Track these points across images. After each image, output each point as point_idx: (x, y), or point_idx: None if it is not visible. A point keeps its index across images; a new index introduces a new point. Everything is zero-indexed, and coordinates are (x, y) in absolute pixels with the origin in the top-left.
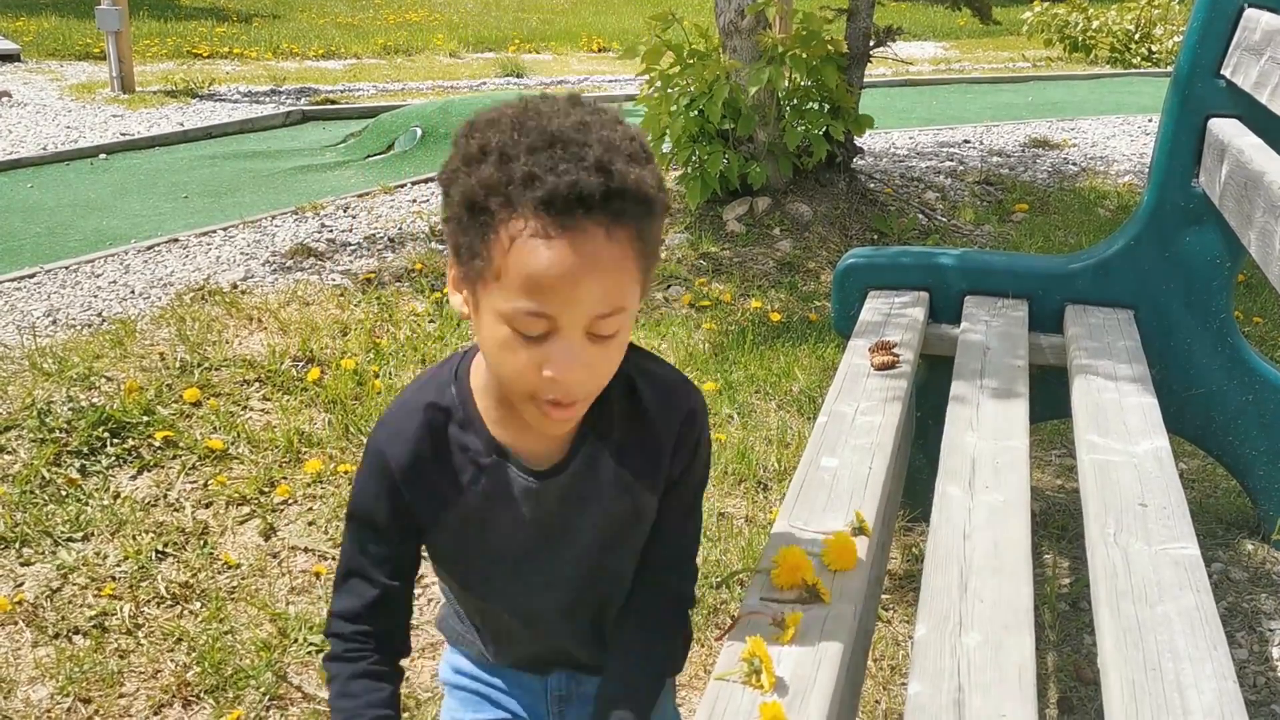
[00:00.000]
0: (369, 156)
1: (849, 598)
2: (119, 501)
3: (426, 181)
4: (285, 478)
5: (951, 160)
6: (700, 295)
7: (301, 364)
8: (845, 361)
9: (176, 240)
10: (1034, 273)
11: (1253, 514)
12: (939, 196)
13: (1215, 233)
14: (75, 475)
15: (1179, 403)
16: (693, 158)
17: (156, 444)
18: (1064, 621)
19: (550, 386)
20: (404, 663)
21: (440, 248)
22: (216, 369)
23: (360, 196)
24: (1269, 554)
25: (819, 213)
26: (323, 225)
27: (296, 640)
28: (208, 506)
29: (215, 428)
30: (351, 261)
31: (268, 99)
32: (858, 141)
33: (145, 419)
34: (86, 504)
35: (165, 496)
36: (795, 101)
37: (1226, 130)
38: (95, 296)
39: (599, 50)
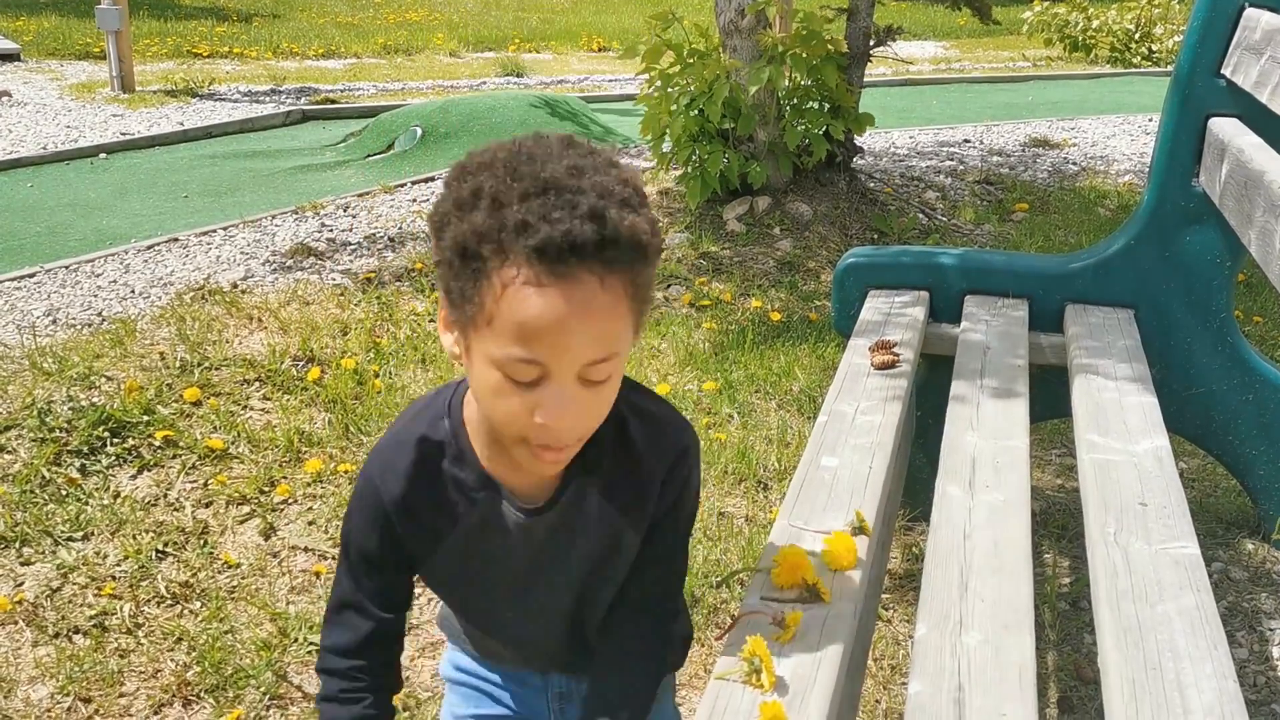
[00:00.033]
0: (369, 156)
1: (849, 597)
2: (119, 501)
3: (426, 181)
4: (285, 477)
5: (952, 160)
6: (700, 295)
7: (302, 363)
8: (845, 361)
9: (176, 240)
10: (1034, 272)
11: (1253, 513)
12: (939, 196)
13: (1215, 232)
14: (75, 475)
15: (1179, 402)
16: (693, 157)
17: (156, 443)
18: (1064, 621)
19: (541, 432)
20: (404, 661)
21: None
22: (216, 368)
23: (360, 196)
24: (1269, 553)
25: (819, 212)
26: (323, 225)
27: (296, 640)
28: (208, 506)
29: (215, 427)
30: (351, 261)
31: (268, 98)
32: (858, 141)
33: (145, 418)
34: (86, 503)
35: (165, 496)
36: (795, 101)
37: (1227, 129)
38: (95, 296)
39: (599, 50)
